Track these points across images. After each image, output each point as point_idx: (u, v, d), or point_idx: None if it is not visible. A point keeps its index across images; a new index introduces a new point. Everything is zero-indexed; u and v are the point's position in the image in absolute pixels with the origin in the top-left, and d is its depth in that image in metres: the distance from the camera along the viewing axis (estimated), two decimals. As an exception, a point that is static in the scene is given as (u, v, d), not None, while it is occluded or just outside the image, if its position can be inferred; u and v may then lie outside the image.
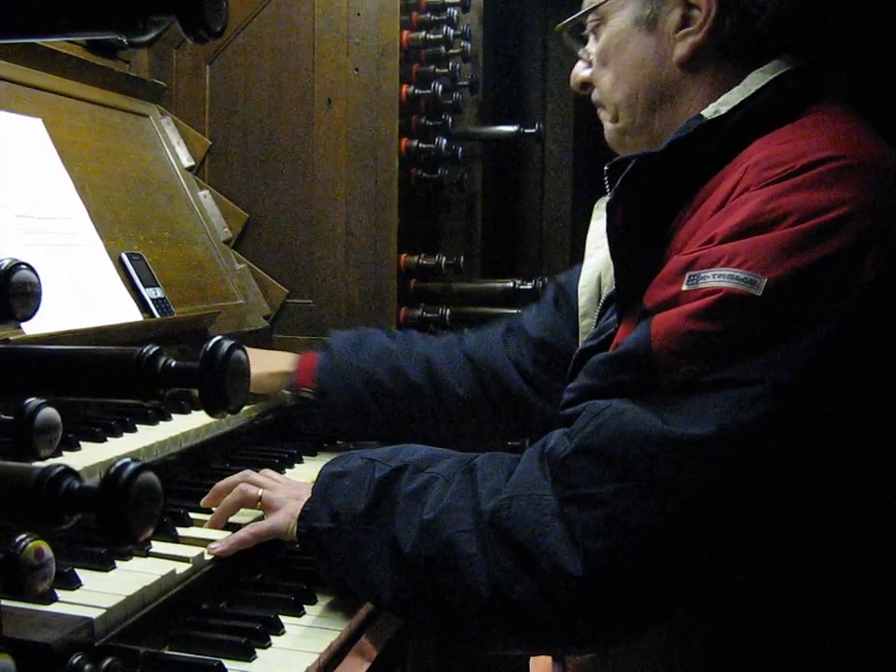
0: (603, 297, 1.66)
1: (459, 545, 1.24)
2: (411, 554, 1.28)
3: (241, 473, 1.59)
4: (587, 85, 1.54)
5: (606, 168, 1.37)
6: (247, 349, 2.15)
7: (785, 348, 1.11)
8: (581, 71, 1.55)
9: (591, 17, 1.49)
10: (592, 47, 1.51)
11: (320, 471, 1.46)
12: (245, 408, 1.93)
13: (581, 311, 1.73)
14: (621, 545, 1.14)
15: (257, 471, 1.63)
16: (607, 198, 1.35)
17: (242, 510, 1.56)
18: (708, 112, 1.32)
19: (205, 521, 1.53)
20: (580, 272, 1.76)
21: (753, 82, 1.33)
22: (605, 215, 1.34)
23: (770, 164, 1.21)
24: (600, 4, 1.45)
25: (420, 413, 1.93)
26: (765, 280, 1.12)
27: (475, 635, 1.29)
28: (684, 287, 1.18)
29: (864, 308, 1.13)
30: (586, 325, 1.71)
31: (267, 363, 2.00)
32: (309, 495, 1.44)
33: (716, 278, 1.15)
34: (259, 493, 1.52)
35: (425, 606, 1.30)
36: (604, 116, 1.53)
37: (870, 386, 1.15)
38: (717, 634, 1.28)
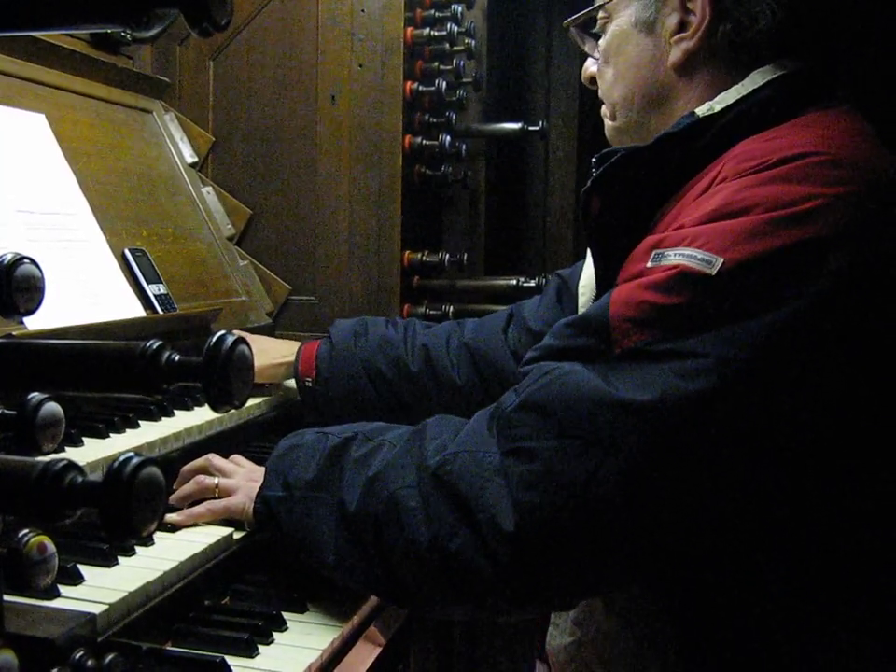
0: None
1: (402, 500, 1.26)
2: (355, 513, 1.30)
3: (204, 457, 1.63)
4: (596, 80, 1.55)
5: (593, 159, 1.38)
6: (251, 337, 2.16)
7: (735, 328, 1.12)
8: (590, 66, 1.57)
9: (600, 14, 1.49)
10: (603, 41, 1.52)
11: (277, 444, 1.49)
12: (248, 404, 1.93)
13: (580, 311, 1.73)
14: (552, 501, 1.15)
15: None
16: None
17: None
18: (702, 110, 1.32)
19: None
20: (582, 267, 1.76)
21: (752, 81, 1.33)
22: None
23: (747, 157, 1.23)
24: (608, 1, 1.46)
25: (419, 400, 1.96)
26: (721, 261, 1.13)
27: (415, 591, 1.30)
28: (648, 264, 1.20)
29: (829, 299, 1.12)
30: None
31: (271, 353, 2.04)
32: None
33: (676, 256, 1.17)
34: (216, 481, 1.56)
35: (367, 564, 1.31)
36: (604, 112, 1.54)
37: (829, 377, 1.15)
38: (689, 623, 1.28)
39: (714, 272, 1.13)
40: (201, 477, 1.58)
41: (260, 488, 1.45)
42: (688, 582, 1.27)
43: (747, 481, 1.17)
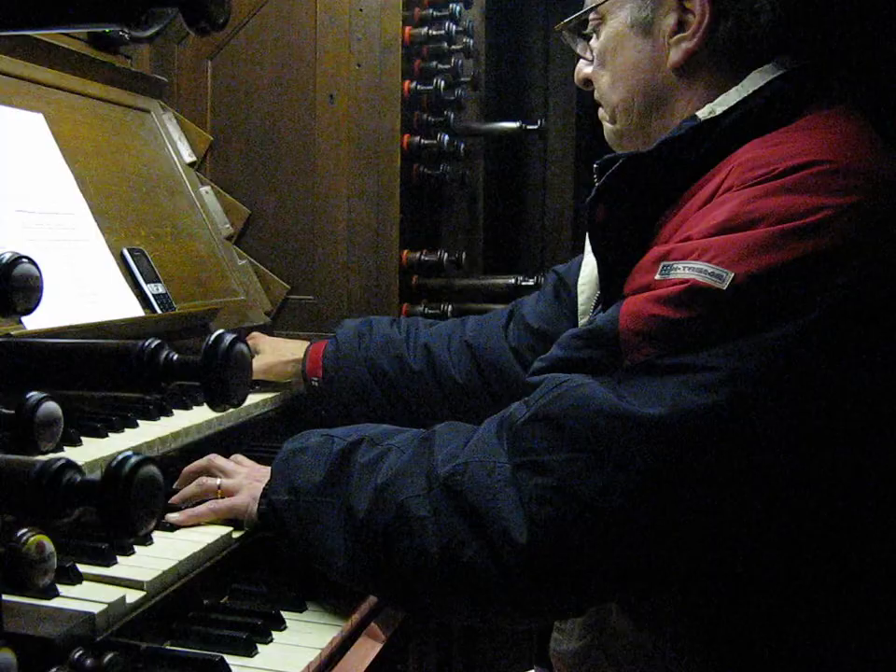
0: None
1: (412, 509, 1.26)
2: (364, 521, 1.30)
3: (206, 458, 1.63)
4: (590, 82, 1.54)
5: (595, 165, 1.38)
6: (264, 337, 2.20)
7: (746, 341, 1.12)
8: (583, 68, 1.55)
9: (592, 15, 1.48)
10: (595, 43, 1.51)
11: (282, 447, 1.50)
12: (247, 403, 1.93)
13: (580, 308, 1.73)
14: (565, 514, 1.16)
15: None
16: None
17: None
18: (703, 113, 1.32)
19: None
20: (579, 264, 1.76)
21: (752, 82, 1.32)
22: None
23: (754, 165, 1.22)
24: (600, 3, 1.45)
25: (421, 398, 1.99)
26: (732, 275, 1.13)
27: (426, 599, 1.30)
28: (657, 277, 1.20)
29: (839, 310, 1.12)
30: (585, 322, 1.71)
31: (282, 351, 2.10)
32: (269, 477, 1.47)
33: (685, 270, 1.17)
34: (218, 482, 1.56)
35: (378, 572, 1.31)
36: (603, 115, 1.53)
37: (839, 388, 1.15)
38: (703, 627, 1.28)
39: (725, 286, 1.13)
40: (203, 479, 1.58)
41: (265, 490, 1.45)
42: (701, 585, 1.27)
43: (756, 491, 1.17)
